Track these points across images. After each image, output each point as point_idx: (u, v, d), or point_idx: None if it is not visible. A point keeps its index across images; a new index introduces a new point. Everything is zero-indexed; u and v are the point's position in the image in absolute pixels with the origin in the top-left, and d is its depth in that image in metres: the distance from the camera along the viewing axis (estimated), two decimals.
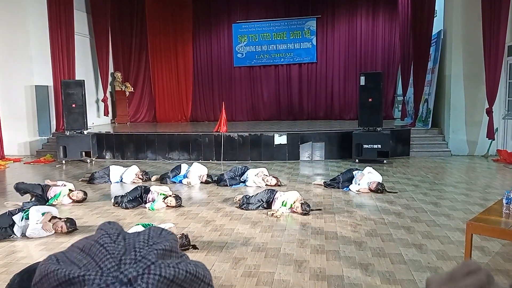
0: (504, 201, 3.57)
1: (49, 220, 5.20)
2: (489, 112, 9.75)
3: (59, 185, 6.83)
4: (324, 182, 7.57)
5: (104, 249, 0.49)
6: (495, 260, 4.12)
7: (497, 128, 10.06)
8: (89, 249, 0.50)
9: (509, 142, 10.03)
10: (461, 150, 10.63)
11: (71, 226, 5.22)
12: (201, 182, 7.93)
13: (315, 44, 14.69)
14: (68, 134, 10.76)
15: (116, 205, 6.39)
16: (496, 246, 4.42)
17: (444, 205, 6.14)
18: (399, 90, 13.93)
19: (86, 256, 0.50)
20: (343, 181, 7.37)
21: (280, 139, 10.46)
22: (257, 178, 7.58)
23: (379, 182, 7.03)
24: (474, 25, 10.02)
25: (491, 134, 9.78)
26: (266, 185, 7.40)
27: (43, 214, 5.22)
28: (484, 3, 9.52)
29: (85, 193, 6.79)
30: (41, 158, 11.14)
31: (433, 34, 11.47)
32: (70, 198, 6.66)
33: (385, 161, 9.55)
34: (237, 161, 10.08)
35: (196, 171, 8.08)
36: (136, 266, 0.47)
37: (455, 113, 10.71)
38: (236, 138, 10.60)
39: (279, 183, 7.52)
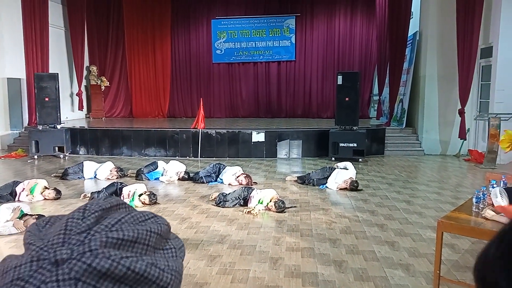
0: (474, 200, 3.66)
1: (20, 218, 5.08)
2: (462, 112, 10.00)
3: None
4: (298, 177, 7.67)
5: (65, 224, 0.48)
6: (465, 257, 4.23)
7: (469, 128, 10.33)
8: (60, 219, 0.50)
9: (480, 143, 10.31)
10: (433, 149, 10.88)
11: None
12: (178, 179, 7.87)
13: (294, 42, 14.75)
14: (40, 128, 10.49)
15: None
16: (465, 244, 4.55)
17: (417, 203, 6.28)
18: (375, 90, 14.14)
19: (57, 226, 0.50)
20: (318, 178, 7.44)
21: (258, 137, 10.48)
22: (232, 178, 7.55)
23: (354, 180, 7.13)
24: (448, 28, 10.25)
25: (463, 134, 10.04)
26: (239, 184, 7.37)
27: (13, 210, 5.09)
28: (458, 6, 9.75)
29: (58, 192, 6.64)
30: (12, 153, 10.82)
31: (409, 35, 11.69)
32: (43, 196, 6.52)
33: (360, 160, 9.69)
34: (214, 158, 10.04)
35: (174, 168, 8.02)
36: (76, 249, 0.45)
37: (429, 113, 10.95)
38: (213, 135, 10.56)
39: (251, 183, 7.38)
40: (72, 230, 0.48)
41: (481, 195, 3.62)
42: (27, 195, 6.44)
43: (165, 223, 0.55)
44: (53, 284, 0.43)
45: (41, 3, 11.99)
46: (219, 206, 6.07)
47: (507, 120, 8.76)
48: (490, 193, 3.49)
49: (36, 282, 0.43)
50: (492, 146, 8.90)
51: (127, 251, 0.48)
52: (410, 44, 11.94)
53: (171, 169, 7.99)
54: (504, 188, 3.57)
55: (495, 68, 9.41)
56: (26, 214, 5.18)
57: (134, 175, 8.12)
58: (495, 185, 3.59)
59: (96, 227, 0.49)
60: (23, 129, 11.83)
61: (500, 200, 3.34)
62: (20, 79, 11.83)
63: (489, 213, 3.33)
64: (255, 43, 14.93)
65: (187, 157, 10.38)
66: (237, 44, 15.01)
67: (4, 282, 0.44)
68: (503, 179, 4.03)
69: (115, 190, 6.36)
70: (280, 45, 14.83)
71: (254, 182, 7.49)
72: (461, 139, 10.17)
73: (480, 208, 3.56)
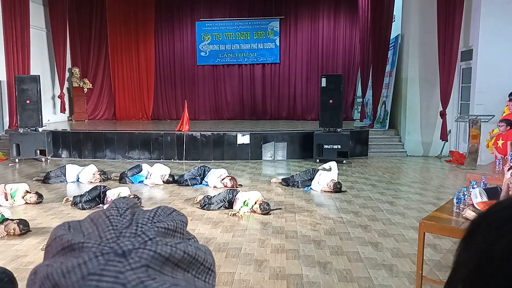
0: (455, 200, 3.73)
1: (1, 223, 4.98)
2: (443, 114, 10.17)
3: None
4: (282, 179, 7.71)
5: (108, 220, 0.52)
6: (447, 257, 4.30)
7: (450, 130, 10.51)
8: (97, 219, 0.53)
9: (461, 144, 10.50)
10: (416, 151, 11.03)
11: (24, 228, 5.02)
12: (163, 182, 7.82)
13: (278, 44, 14.81)
14: (21, 131, 10.30)
15: (73, 205, 6.19)
16: (447, 244, 4.63)
17: (400, 204, 6.36)
18: (359, 92, 14.29)
19: (93, 225, 0.52)
20: (303, 180, 7.48)
21: (243, 139, 10.47)
22: (217, 180, 7.52)
23: (336, 182, 7.18)
24: (430, 31, 10.42)
25: (444, 135, 10.22)
26: (224, 186, 7.35)
27: None
28: (439, 10, 9.93)
29: (40, 196, 6.53)
30: None
31: (391, 38, 11.84)
32: (24, 200, 6.41)
33: (344, 161, 9.77)
34: (199, 161, 10.00)
35: (159, 171, 7.96)
36: (134, 240, 0.49)
37: (411, 115, 11.10)
38: (198, 137, 10.52)
39: (236, 185, 7.36)
40: (118, 225, 0.51)
41: (462, 196, 3.69)
42: (7, 200, 6.32)
43: (185, 215, 0.59)
44: (129, 272, 0.46)
45: (21, 4, 11.78)
46: (204, 209, 6.05)
47: (487, 121, 8.93)
48: (471, 194, 3.57)
49: (112, 273, 0.45)
50: (473, 147, 9.06)
51: (173, 238, 0.52)
52: (392, 47, 12.10)
53: (156, 172, 7.93)
54: (484, 189, 3.65)
55: (475, 70, 9.59)
56: (7, 219, 5.08)
57: (118, 178, 8.04)
58: (475, 186, 3.67)
59: (140, 220, 0.52)
60: (4, 132, 11.61)
61: (480, 200, 3.42)
62: (0, 81, 11.60)
63: (469, 213, 3.39)
64: (240, 45, 14.94)
65: (172, 160, 10.32)
66: (221, 46, 15.00)
67: (71, 281, 0.45)
68: (483, 180, 4.11)
69: (98, 193, 6.29)
70: (265, 48, 14.87)
71: (239, 185, 7.49)
72: (442, 140, 10.34)
73: (461, 208, 3.63)
